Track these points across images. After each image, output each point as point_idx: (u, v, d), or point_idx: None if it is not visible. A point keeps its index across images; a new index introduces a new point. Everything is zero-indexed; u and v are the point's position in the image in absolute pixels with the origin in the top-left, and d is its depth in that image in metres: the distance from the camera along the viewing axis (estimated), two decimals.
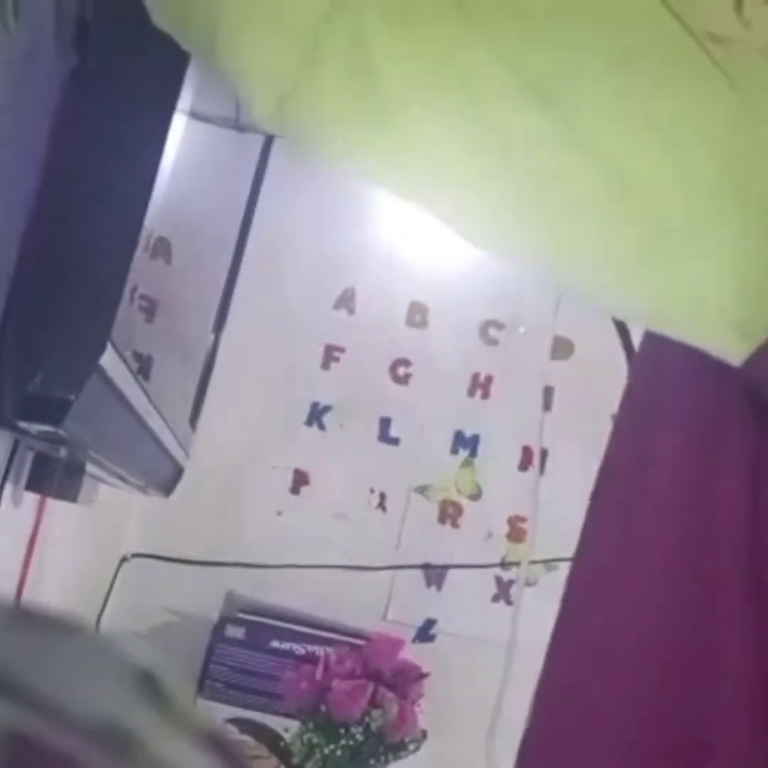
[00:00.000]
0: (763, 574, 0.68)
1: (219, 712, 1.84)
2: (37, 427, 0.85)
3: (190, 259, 1.40)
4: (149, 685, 0.30)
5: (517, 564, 2.10)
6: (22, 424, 0.84)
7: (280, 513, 2.11)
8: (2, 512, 1.15)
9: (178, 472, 1.66)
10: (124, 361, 0.91)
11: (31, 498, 1.29)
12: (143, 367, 1.11)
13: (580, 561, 0.81)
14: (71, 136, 0.89)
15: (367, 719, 1.68)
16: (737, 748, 0.68)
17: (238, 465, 2.10)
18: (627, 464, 0.78)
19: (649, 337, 0.76)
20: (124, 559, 2.02)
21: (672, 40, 0.56)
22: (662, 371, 0.74)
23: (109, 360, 0.85)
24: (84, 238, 0.84)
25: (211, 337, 1.84)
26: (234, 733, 1.72)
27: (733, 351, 0.62)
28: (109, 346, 0.83)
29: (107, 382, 0.87)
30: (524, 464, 2.13)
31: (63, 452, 1.12)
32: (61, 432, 0.84)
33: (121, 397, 0.96)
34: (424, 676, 1.84)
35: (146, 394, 1.10)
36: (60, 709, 0.27)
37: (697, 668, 0.70)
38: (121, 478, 1.39)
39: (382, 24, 0.58)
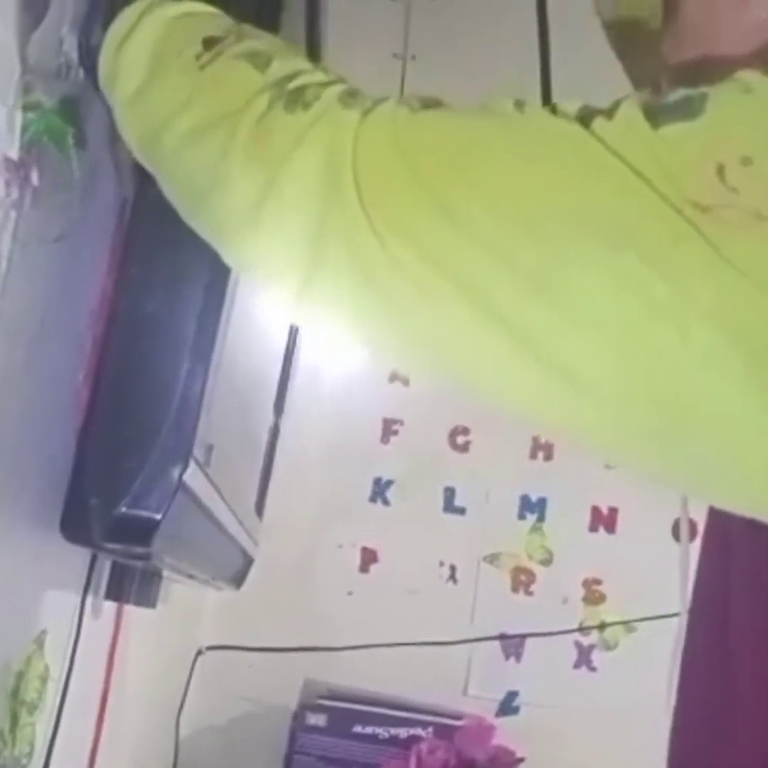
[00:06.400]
0: None
1: None
2: (123, 548, 0.84)
3: (245, 344, 1.40)
4: None
5: (597, 627, 2.06)
6: (110, 546, 0.83)
7: (350, 593, 2.09)
8: (84, 626, 1.14)
9: (248, 562, 1.64)
10: (204, 472, 0.90)
11: (110, 605, 1.28)
12: (207, 458, 1.11)
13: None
14: (134, 257, 0.90)
15: None
16: None
17: (305, 548, 2.09)
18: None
19: (713, 513, 0.75)
20: (199, 653, 2.00)
21: (653, 216, 0.56)
22: (730, 549, 0.73)
23: (191, 474, 0.84)
24: (158, 357, 0.84)
25: (272, 418, 1.83)
26: None
27: None
28: (191, 462, 0.82)
29: (190, 495, 0.87)
30: (594, 525, 2.10)
31: (141, 562, 1.12)
32: (148, 551, 0.84)
33: (201, 507, 0.95)
34: (519, 761, 1.79)
35: (222, 496, 1.09)
36: None
37: None
38: (193, 577, 1.39)
39: (371, 235, 0.59)
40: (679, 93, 0.59)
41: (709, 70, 0.69)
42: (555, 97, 0.98)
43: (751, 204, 0.55)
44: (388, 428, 2.15)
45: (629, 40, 0.88)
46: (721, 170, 0.55)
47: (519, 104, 0.62)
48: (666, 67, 0.76)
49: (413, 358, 0.66)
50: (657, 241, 0.56)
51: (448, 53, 2.08)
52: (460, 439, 2.15)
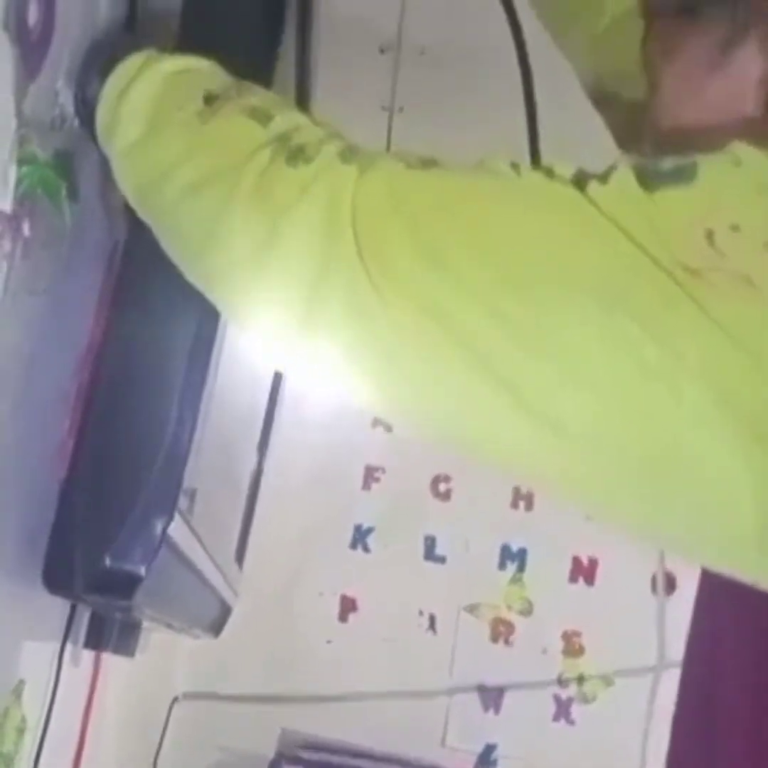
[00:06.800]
0: None
1: None
2: (105, 601, 0.83)
3: (231, 385, 1.39)
4: None
5: (575, 680, 2.05)
6: (92, 598, 0.83)
7: (329, 642, 2.07)
8: (63, 674, 1.12)
9: (227, 611, 1.63)
10: (187, 522, 0.90)
11: (88, 653, 1.26)
12: (190, 506, 1.10)
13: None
14: (123, 306, 0.90)
15: None
16: None
17: (284, 595, 2.07)
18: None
19: (705, 573, 0.76)
20: (175, 700, 1.98)
21: (644, 278, 0.57)
22: (719, 604, 0.74)
23: (175, 527, 0.84)
24: (145, 407, 0.84)
25: (255, 459, 1.82)
26: None
27: None
28: (176, 515, 0.82)
29: (174, 549, 0.86)
30: (574, 576, 2.09)
31: (121, 613, 1.11)
32: (130, 604, 0.83)
33: (183, 559, 0.94)
34: None
35: (203, 546, 1.09)
36: None
37: None
38: (171, 626, 1.37)
39: (368, 284, 0.60)
40: (671, 161, 0.60)
41: (694, 137, 0.70)
42: (542, 151, 1.00)
43: (739, 268, 0.56)
44: (370, 475, 2.15)
45: (612, 106, 0.90)
46: (710, 235, 0.56)
47: (515, 165, 0.63)
48: (652, 132, 0.77)
49: (404, 407, 0.67)
50: (648, 303, 0.57)
51: (436, 106, 2.10)
52: (442, 487, 2.15)
